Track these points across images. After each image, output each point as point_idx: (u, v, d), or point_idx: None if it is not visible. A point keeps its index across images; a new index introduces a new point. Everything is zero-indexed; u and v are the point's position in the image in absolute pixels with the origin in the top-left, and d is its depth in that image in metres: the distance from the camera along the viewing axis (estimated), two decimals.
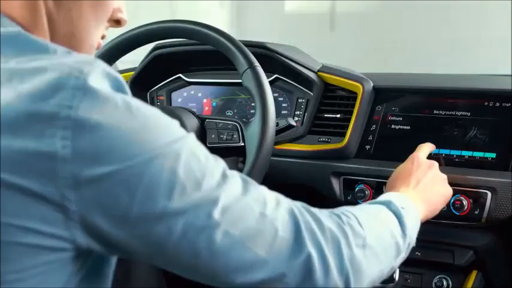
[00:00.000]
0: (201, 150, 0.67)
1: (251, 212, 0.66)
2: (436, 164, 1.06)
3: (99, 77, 0.60)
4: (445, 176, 1.07)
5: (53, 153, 0.57)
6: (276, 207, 0.69)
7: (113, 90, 0.61)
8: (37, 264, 0.59)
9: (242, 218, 0.65)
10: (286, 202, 0.72)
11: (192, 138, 0.66)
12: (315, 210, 0.74)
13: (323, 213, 0.74)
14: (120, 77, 0.64)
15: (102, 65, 0.62)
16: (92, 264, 0.65)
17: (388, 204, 0.87)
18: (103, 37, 0.76)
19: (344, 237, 0.73)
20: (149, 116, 0.63)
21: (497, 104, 1.20)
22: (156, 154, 0.60)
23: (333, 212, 0.78)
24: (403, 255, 0.85)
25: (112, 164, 0.58)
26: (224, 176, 0.66)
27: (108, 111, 0.59)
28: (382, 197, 0.92)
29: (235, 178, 0.68)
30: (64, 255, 0.60)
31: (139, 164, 0.59)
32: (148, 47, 1.35)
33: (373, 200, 0.90)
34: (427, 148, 1.13)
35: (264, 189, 0.71)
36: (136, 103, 0.62)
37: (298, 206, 0.73)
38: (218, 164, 0.67)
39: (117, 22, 0.77)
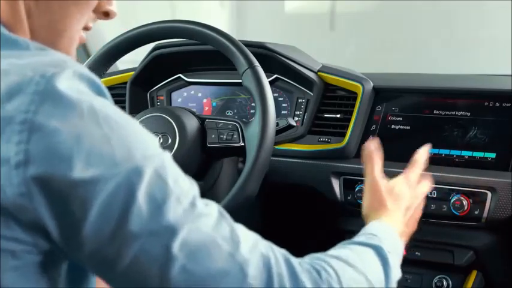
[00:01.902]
0: (171, 172, 0.60)
1: (218, 250, 0.60)
2: (423, 195, 0.97)
3: (67, 79, 0.57)
4: (421, 205, 0.98)
5: (7, 158, 0.54)
6: (251, 251, 0.62)
7: (88, 93, 0.58)
8: (6, 270, 0.57)
9: (206, 256, 0.59)
10: (264, 247, 0.65)
11: (163, 158, 0.60)
12: (295, 262, 0.66)
13: (303, 268, 0.66)
14: (97, 78, 0.61)
15: (75, 67, 0.59)
16: (70, 275, 0.62)
17: (377, 249, 0.78)
18: (88, 29, 0.72)
19: None
20: (118, 127, 0.58)
21: (497, 104, 1.20)
22: (116, 172, 0.56)
23: (314, 266, 0.68)
24: None
25: (66, 173, 0.55)
26: (193, 205, 0.60)
27: (69, 118, 0.55)
28: (374, 229, 0.84)
29: (209, 210, 0.62)
30: (31, 259, 0.58)
31: (96, 181, 0.55)
32: (148, 47, 1.35)
33: (364, 240, 0.80)
34: (419, 168, 0.98)
35: (241, 228, 0.64)
36: (107, 112, 0.58)
37: (277, 254, 0.65)
38: (189, 191, 0.61)
39: (105, 14, 0.73)
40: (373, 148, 0.93)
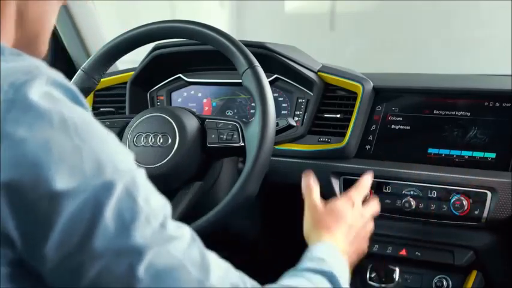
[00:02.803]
0: (143, 190, 0.58)
1: (187, 276, 0.58)
2: (369, 212, 0.98)
3: (39, 86, 0.55)
4: (371, 230, 0.99)
5: None
6: (221, 281, 0.60)
7: (67, 100, 0.57)
8: None
9: (173, 280, 0.57)
10: (234, 278, 0.63)
11: (135, 175, 0.58)
12: None
13: None
14: (73, 86, 0.59)
15: (49, 74, 0.58)
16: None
17: (330, 277, 0.77)
18: None
19: None
20: (91, 139, 0.56)
21: (497, 104, 1.20)
22: (84, 186, 0.54)
23: None
24: None
25: (33, 184, 0.53)
26: (163, 227, 0.58)
27: (37, 127, 0.54)
28: (318, 255, 0.82)
29: (180, 232, 0.60)
30: (4, 271, 0.56)
31: (63, 194, 0.54)
32: (148, 47, 1.35)
33: (315, 267, 0.79)
34: (364, 189, 1.01)
35: (212, 256, 0.62)
36: (79, 122, 0.56)
37: (247, 286, 0.64)
38: (160, 211, 0.59)
39: None
40: (310, 179, 0.98)
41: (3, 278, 0.56)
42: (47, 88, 0.56)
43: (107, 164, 0.56)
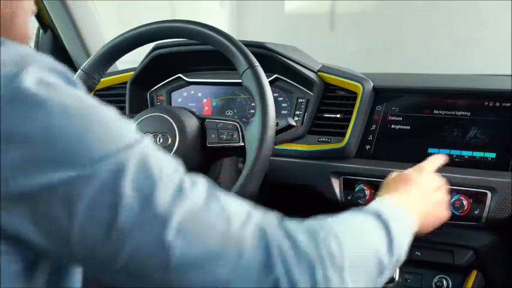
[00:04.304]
0: (155, 158, 0.58)
1: (213, 229, 0.59)
2: (443, 183, 0.98)
3: (32, 74, 0.54)
4: (446, 199, 0.98)
5: None
6: (245, 224, 0.61)
7: (63, 83, 0.56)
8: None
9: (201, 237, 0.58)
10: (257, 218, 0.63)
11: (144, 144, 0.59)
12: (291, 227, 0.64)
13: (299, 231, 0.64)
14: (65, 68, 0.58)
15: (40, 59, 0.56)
16: (54, 278, 0.61)
17: (378, 216, 0.75)
18: (33, 12, 0.70)
19: (319, 259, 0.63)
20: (93, 120, 0.56)
21: (497, 104, 1.20)
22: (96, 169, 0.54)
23: (312, 229, 0.66)
24: (388, 273, 0.74)
25: (44, 177, 0.53)
26: (180, 190, 0.58)
27: (38, 118, 0.53)
28: (375, 203, 0.81)
29: (196, 190, 0.60)
30: (12, 269, 0.56)
31: (77, 179, 0.53)
32: (148, 47, 1.35)
33: (364, 208, 0.78)
34: (438, 161, 1.01)
35: (232, 203, 0.63)
36: (79, 105, 0.56)
37: (272, 222, 0.63)
38: (175, 175, 0.59)
39: None
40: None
41: (15, 275, 0.56)
42: (40, 75, 0.55)
43: (116, 141, 0.56)
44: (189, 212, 0.58)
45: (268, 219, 0.64)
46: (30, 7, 0.69)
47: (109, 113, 0.58)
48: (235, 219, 0.61)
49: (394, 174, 0.94)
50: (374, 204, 0.80)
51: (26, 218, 0.54)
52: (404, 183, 0.90)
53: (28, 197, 0.53)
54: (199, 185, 0.61)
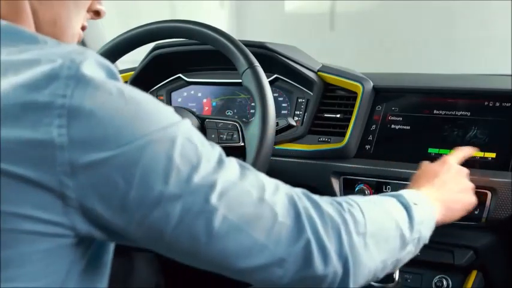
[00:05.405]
0: (197, 135, 0.66)
1: (249, 196, 0.67)
2: (466, 171, 1.04)
3: (92, 65, 0.61)
4: (472, 186, 1.03)
5: (49, 142, 0.58)
6: (275, 193, 0.69)
7: (107, 78, 0.62)
8: (36, 251, 0.59)
9: (240, 203, 0.66)
10: (285, 188, 0.72)
11: (186, 123, 0.66)
12: (315, 196, 0.74)
13: (323, 200, 0.74)
14: (112, 65, 0.65)
15: (94, 55, 0.63)
16: (93, 252, 0.66)
17: (397, 197, 0.85)
18: (84, 28, 0.77)
19: (344, 224, 0.72)
20: (143, 102, 0.63)
21: (497, 104, 1.20)
22: (151, 139, 0.61)
23: (335, 199, 0.77)
24: (411, 249, 0.84)
25: (107, 150, 0.59)
26: (220, 162, 0.67)
27: (101, 99, 0.60)
28: (396, 192, 0.91)
29: (232, 163, 0.69)
30: (64, 242, 0.61)
31: (134, 150, 0.60)
32: (148, 47, 1.35)
33: (385, 193, 0.89)
34: (461, 153, 1.09)
35: (262, 175, 0.71)
36: (130, 90, 0.63)
37: (297, 192, 0.73)
38: (214, 150, 0.68)
39: (96, 13, 0.78)
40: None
41: (61, 251, 0.61)
42: (96, 66, 0.62)
43: (162, 119, 0.63)
44: (229, 180, 0.66)
45: (295, 190, 0.73)
46: (74, 33, 0.74)
47: (153, 99, 0.65)
48: (267, 188, 0.69)
49: (419, 171, 1.02)
50: (394, 192, 0.90)
51: (89, 186, 0.59)
52: (427, 176, 0.99)
53: (93, 166, 0.59)
54: (232, 160, 0.69)
